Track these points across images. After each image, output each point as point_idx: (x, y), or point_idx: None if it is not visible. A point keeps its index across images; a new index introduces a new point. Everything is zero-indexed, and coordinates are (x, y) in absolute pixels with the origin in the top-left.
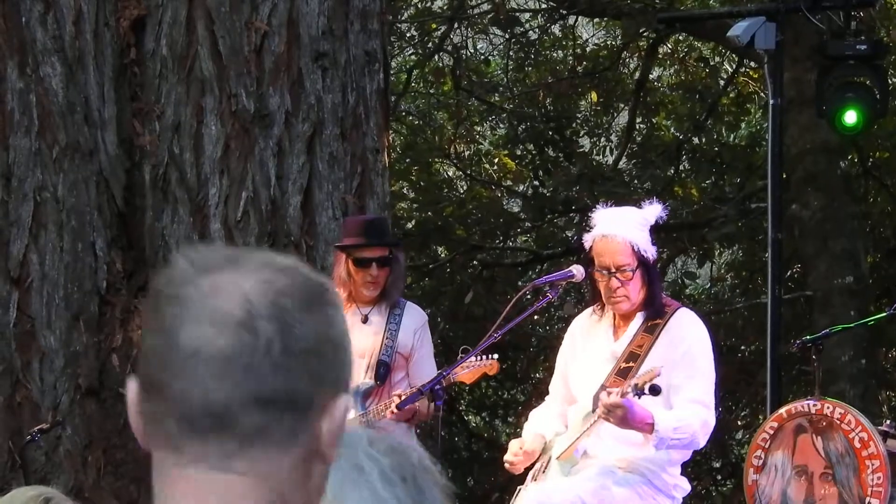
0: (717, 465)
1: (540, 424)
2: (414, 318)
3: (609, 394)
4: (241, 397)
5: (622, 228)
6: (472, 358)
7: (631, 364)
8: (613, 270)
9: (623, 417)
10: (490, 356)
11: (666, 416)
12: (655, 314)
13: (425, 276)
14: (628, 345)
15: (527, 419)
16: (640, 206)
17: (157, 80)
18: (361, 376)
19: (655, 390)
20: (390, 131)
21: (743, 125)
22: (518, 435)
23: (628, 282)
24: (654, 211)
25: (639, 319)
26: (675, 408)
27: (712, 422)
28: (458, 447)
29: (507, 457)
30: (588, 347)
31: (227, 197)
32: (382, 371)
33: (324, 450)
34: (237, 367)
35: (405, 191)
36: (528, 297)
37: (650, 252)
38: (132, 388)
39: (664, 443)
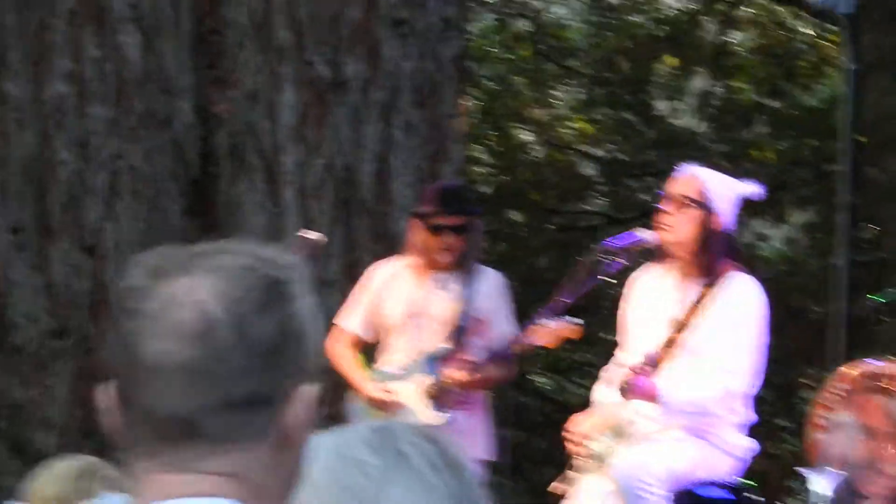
0: (787, 424)
1: (604, 391)
2: (490, 282)
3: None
4: (207, 405)
5: (702, 170)
6: (553, 323)
7: (678, 334)
8: (671, 196)
9: (629, 393)
10: (572, 320)
11: (675, 388)
12: (711, 283)
13: (501, 241)
14: (683, 314)
15: (594, 379)
16: (718, 170)
17: (236, 49)
18: (439, 342)
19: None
20: (468, 97)
21: (821, 88)
22: (585, 396)
23: (678, 212)
24: (750, 188)
25: (696, 287)
26: (703, 372)
27: (739, 388)
28: (531, 410)
29: (567, 429)
30: (650, 305)
31: (302, 164)
32: (459, 336)
33: (291, 436)
34: (200, 377)
35: (482, 155)
36: (596, 256)
37: (719, 209)
38: (112, 389)
39: (674, 413)
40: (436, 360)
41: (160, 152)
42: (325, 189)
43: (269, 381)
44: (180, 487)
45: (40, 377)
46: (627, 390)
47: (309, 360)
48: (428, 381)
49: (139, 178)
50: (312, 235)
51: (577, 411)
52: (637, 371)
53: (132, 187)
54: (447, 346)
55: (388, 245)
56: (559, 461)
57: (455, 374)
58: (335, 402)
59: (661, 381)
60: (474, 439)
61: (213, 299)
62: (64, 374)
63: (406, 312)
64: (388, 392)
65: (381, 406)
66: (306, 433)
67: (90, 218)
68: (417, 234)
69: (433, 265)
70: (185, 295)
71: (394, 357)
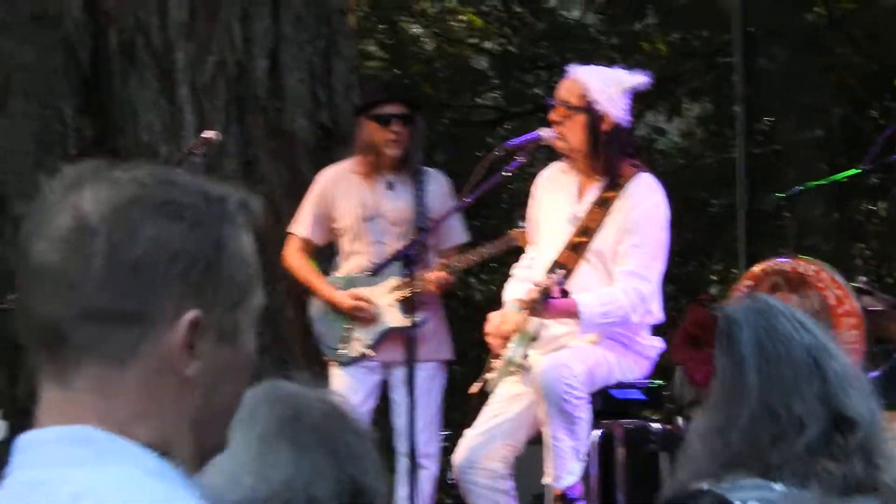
0: None
1: (516, 287)
2: (438, 183)
3: (530, 291)
4: (69, 313)
5: (584, 72)
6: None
7: (584, 239)
8: (556, 103)
9: (544, 312)
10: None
11: (591, 302)
12: (611, 184)
13: None
14: (584, 215)
15: (501, 276)
16: (610, 63)
17: None
18: (397, 244)
19: (565, 294)
20: None
21: None
22: (490, 293)
23: (566, 119)
24: (638, 78)
25: (596, 188)
26: (614, 279)
27: (651, 292)
28: None
29: (487, 329)
30: (553, 204)
31: (193, 61)
32: (421, 237)
33: (172, 360)
34: (64, 283)
35: (372, 49)
36: (497, 154)
37: (606, 107)
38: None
39: (592, 327)
40: (404, 262)
41: (52, 51)
42: (218, 86)
43: (138, 297)
44: (56, 406)
45: None
46: (543, 309)
47: (207, 286)
48: (398, 283)
49: (30, 78)
50: (208, 134)
51: (482, 308)
52: (548, 288)
53: (24, 86)
54: (413, 247)
55: (283, 142)
56: (465, 356)
57: (427, 275)
58: (300, 308)
59: (578, 297)
60: (438, 340)
61: (92, 206)
62: None
63: (360, 215)
64: (360, 298)
65: (354, 312)
66: (193, 360)
67: None
68: (364, 130)
69: (381, 163)
70: (76, 198)
71: (352, 261)
